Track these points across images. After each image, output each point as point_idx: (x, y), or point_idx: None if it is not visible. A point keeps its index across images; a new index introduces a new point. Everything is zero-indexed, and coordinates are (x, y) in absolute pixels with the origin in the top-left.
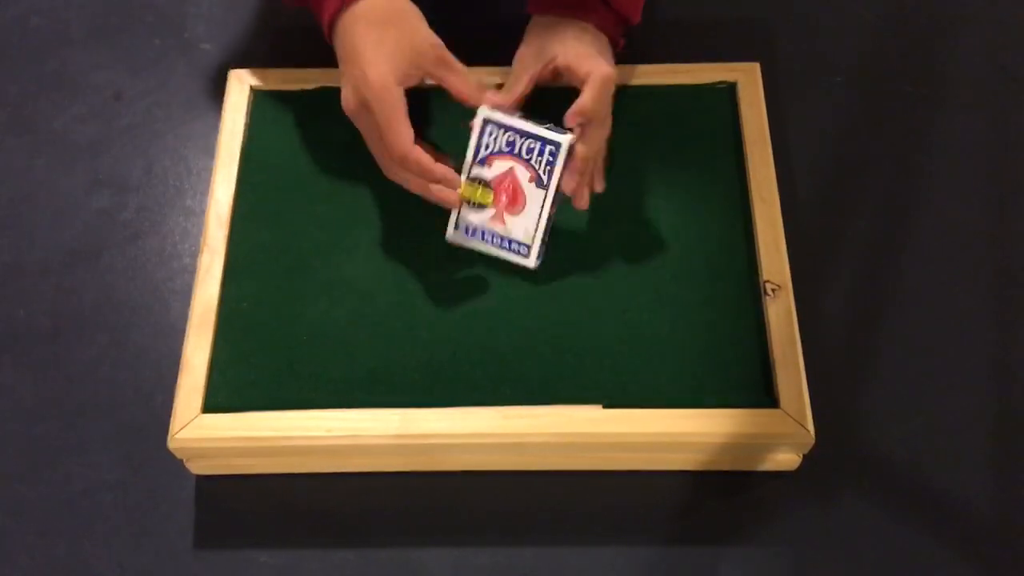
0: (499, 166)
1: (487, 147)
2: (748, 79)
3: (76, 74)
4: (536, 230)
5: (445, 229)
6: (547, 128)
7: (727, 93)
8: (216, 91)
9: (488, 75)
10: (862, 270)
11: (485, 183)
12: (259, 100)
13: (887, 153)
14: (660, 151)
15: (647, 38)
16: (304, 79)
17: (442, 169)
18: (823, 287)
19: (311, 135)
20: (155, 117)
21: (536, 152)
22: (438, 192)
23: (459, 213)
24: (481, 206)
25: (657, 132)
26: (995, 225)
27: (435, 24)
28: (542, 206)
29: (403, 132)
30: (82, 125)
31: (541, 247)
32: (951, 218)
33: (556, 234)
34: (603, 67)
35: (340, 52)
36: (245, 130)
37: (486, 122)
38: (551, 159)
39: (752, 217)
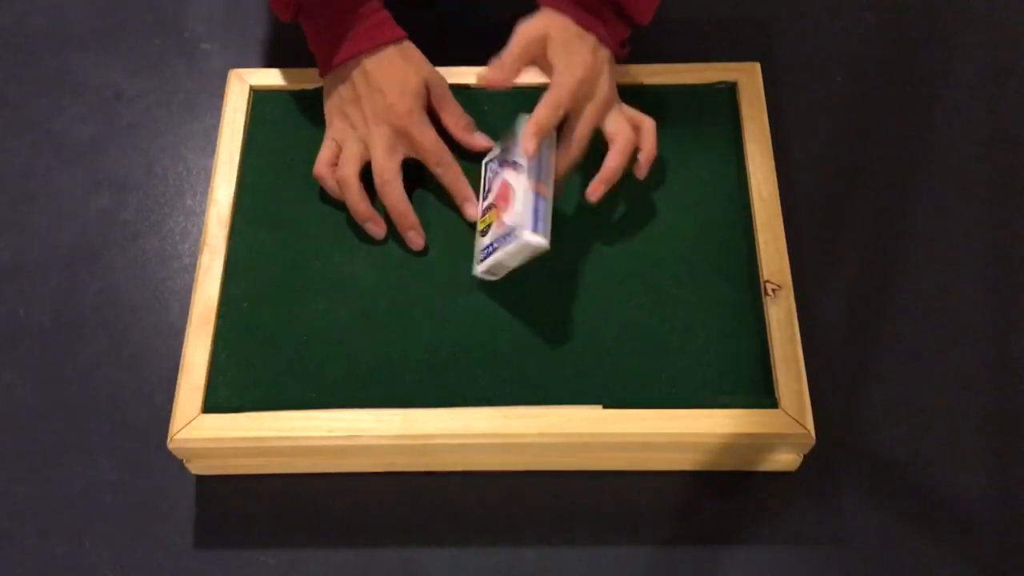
0: (496, 185)
1: (488, 179)
2: (748, 79)
3: (76, 74)
4: (521, 206)
5: (444, 227)
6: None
7: (727, 93)
8: (216, 91)
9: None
10: (862, 270)
11: (490, 206)
12: (259, 100)
13: (887, 153)
14: (660, 151)
15: (647, 38)
16: (304, 79)
17: (465, 191)
18: (823, 287)
19: (311, 135)
20: (155, 117)
21: (517, 151)
22: (410, 231)
23: (476, 246)
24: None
25: (657, 132)
26: (995, 225)
27: (433, 23)
28: (523, 186)
29: (444, 146)
30: (82, 125)
31: (534, 220)
32: (951, 218)
33: (556, 234)
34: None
35: (361, 87)
36: (245, 130)
37: (486, 165)
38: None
39: (752, 217)
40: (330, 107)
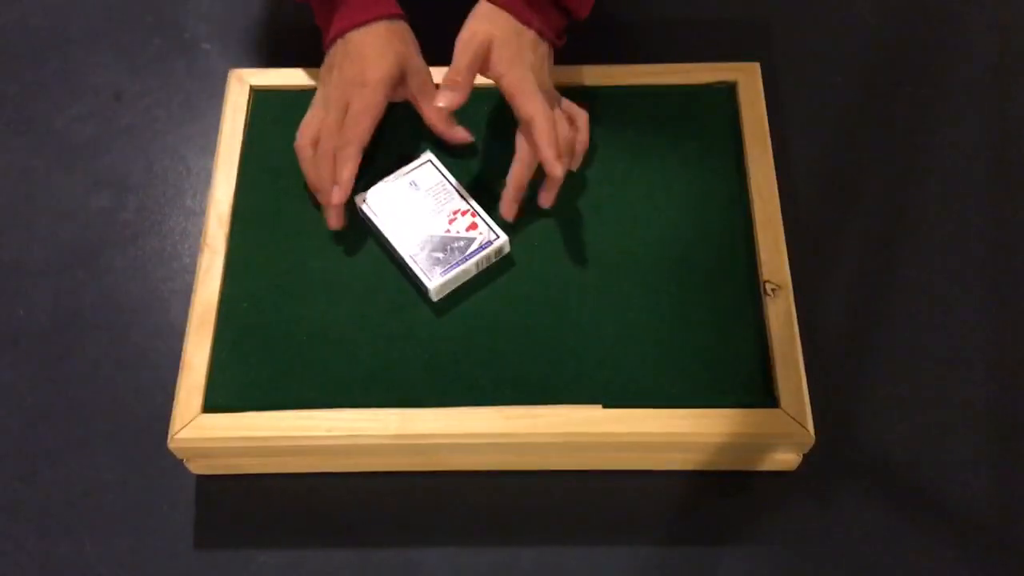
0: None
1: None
2: (748, 79)
3: (76, 74)
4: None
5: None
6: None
7: (727, 93)
8: (216, 91)
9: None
10: (862, 270)
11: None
12: (259, 100)
13: (887, 153)
14: (660, 151)
15: (647, 38)
16: (304, 79)
17: (347, 175)
18: (823, 287)
19: None
20: (155, 117)
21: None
22: (331, 196)
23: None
24: None
25: (657, 132)
26: (995, 225)
27: (431, 28)
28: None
29: (367, 129)
30: (82, 125)
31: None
32: (951, 218)
33: (556, 234)
34: (540, 112)
35: (339, 56)
36: (245, 130)
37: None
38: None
39: (752, 217)
40: (320, 75)
